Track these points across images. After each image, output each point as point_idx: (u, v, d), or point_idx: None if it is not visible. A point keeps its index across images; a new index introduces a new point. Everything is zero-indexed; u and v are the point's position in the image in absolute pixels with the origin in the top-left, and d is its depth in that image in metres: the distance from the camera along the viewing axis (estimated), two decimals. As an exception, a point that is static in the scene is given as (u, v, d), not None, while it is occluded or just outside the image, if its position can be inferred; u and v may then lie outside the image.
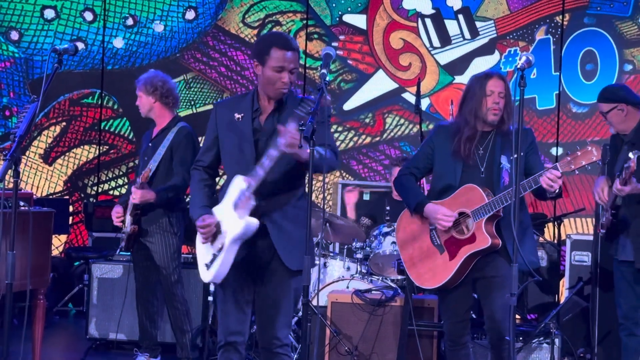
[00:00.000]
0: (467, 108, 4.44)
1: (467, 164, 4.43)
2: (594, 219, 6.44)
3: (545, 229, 7.59)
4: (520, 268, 3.96)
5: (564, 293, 6.98)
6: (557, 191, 4.15)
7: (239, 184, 3.85)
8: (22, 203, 4.78)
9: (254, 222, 3.83)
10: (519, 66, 3.98)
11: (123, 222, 5.71)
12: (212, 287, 5.64)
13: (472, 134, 4.41)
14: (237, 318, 3.94)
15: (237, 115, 3.93)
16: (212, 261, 3.92)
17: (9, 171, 3.60)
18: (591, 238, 6.42)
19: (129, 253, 6.26)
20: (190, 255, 6.63)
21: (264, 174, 3.77)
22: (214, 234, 3.89)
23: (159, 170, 5.63)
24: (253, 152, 3.88)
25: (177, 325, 5.73)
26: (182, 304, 5.74)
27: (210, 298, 5.88)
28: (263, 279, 3.95)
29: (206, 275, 3.97)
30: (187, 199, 5.41)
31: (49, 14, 8.73)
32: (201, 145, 4.19)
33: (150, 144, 5.76)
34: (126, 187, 8.76)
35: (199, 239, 3.98)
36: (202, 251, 3.99)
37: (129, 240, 5.71)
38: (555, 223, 7.20)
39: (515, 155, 4.16)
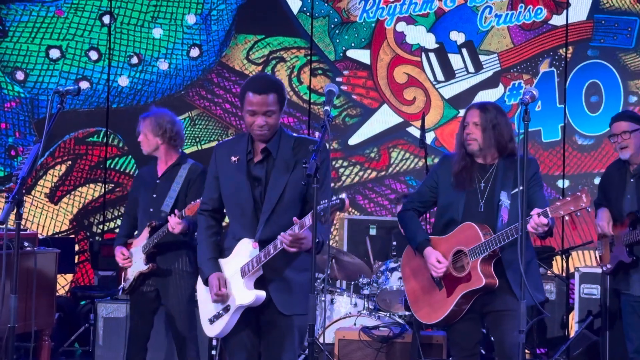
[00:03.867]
0: (457, 139, 4.50)
1: (469, 197, 4.41)
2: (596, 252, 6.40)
3: (554, 262, 7.54)
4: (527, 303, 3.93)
5: (573, 327, 6.91)
6: (545, 233, 4.14)
7: (246, 248, 3.88)
8: (26, 244, 4.77)
9: (262, 295, 3.86)
10: (522, 101, 3.97)
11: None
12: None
13: (464, 164, 4.42)
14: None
15: (233, 158, 3.95)
16: (216, 317, 3.95)
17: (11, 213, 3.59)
18: (600, 271, 6.38)
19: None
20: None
21: (265, 260, 3.82)
22: None
23: (177, 206, 5.48)
24: (250, 197, 3.89)
25: None
26: (196, 350, 5.59)
27: (214, 342, 5.80)
28: (264, 322, 3.94)
29: (210, 330, 4.01)
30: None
31: (54, 53, 8.78)
32: None
33: (158, 181, 5.63)
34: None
35: (206, 293, 3.98)
36: (207, 305, 4.00)
37: (137, 280, 5.51)
38: (563, 256, 7.15)
39: (516, 190, 4.15)
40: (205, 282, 3.97)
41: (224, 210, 4.11)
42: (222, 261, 3.98)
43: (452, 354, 4.65)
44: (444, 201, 4.49)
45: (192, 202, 5.20)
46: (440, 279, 4.41)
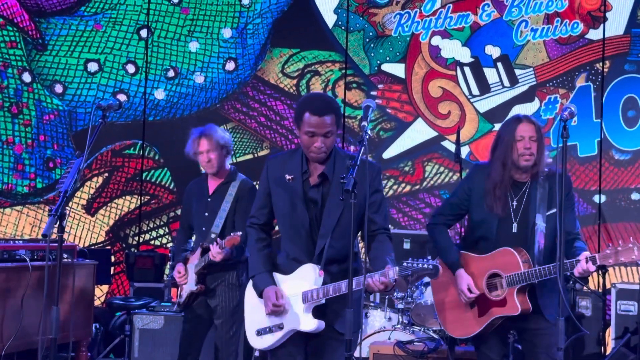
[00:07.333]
0: (498, 155, 4.35)
1: (502, 216, 4.35)
2: (639, 268, 6.34)
3: (590, 278, 7.46)
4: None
5: (610, 344, 6.84)
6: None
7: (311, 275, 3.85)
8: (65, 255, 4.82)
9: (322, 325, 3.86)
10: (562, 117, 3.95)
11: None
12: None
13: (502, 183, 4.32)
14: None
15: (287, 177, 3.92)
16: (265, 331, 3.93)
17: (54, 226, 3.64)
18: (637, 287, 6.32)
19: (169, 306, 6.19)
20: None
21: (333, 295, 3.82)
22: None
23: (227, 225, 5.49)
24: (306, 216, 3.88)
25: None
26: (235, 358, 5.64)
27: (257, 353, 5.82)
28: (314, 341, 3.95)
29: (256, 342, 3.98)
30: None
31: (92, 67, 8.89)
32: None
33: (209, 199, 5.60)
34: (167, 237, 8.81)
35: (257, 304, 3.97)
36: (256, 316, 3.98)
37: (189, 298, 5.57)
38: (600, 272, 7.08)
39: (551, 211, 4.12)
40: (259, 295, 3.95)
41: (274, 223, 4.11)
42: (278, 277, 3.96)
43: None
44: (477, 217, 4.43)
45: (232, 234, 5.18)
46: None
